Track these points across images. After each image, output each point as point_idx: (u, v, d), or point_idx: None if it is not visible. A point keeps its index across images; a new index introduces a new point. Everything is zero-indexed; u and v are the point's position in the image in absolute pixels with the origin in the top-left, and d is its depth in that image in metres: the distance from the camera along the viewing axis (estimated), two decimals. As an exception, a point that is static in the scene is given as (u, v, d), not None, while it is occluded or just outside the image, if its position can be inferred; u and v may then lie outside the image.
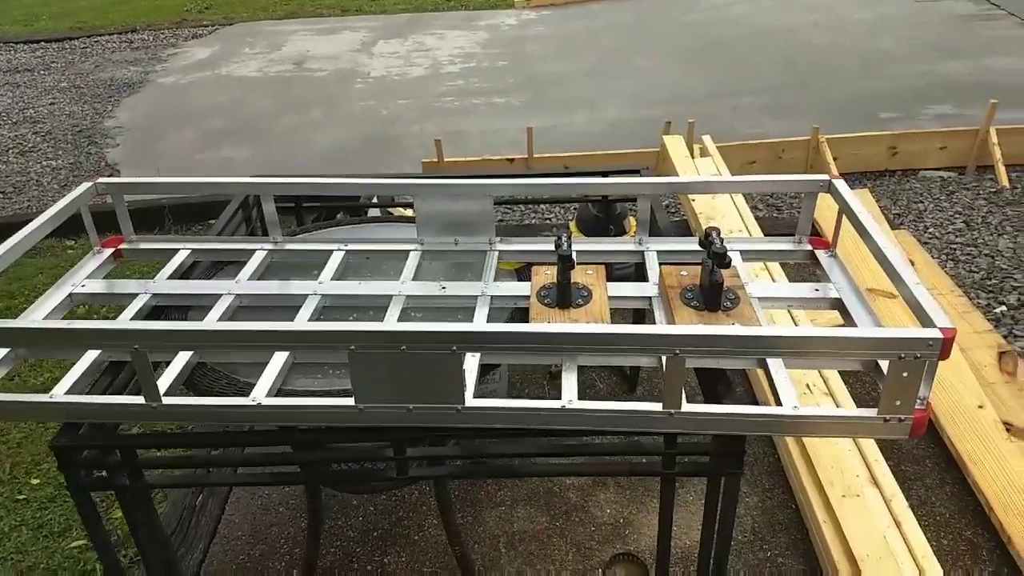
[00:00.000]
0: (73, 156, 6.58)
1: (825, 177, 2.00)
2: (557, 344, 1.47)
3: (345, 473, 1.95)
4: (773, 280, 3.23)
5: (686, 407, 1.52)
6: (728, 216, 3.70)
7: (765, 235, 3.68)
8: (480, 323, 1.72)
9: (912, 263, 3.81)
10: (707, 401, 1.73)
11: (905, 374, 1.44)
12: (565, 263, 1.72)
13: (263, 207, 2.14)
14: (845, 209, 1.90)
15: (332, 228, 2.35)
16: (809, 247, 2.08)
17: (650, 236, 2.12)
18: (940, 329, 1.42)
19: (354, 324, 1.48)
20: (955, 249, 4.94)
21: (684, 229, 4.16)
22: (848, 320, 1.81)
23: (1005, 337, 3.97)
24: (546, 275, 1.90)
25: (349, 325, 1.47)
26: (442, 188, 2.07)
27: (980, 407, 2.91)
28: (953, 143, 5.61)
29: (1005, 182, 5.62)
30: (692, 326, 1.48)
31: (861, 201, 1.93)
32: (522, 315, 1.85)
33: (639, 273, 2.06)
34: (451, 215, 2.11)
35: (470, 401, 1.54)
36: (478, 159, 5.53)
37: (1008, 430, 2.83)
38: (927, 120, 6.30)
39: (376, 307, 1.93)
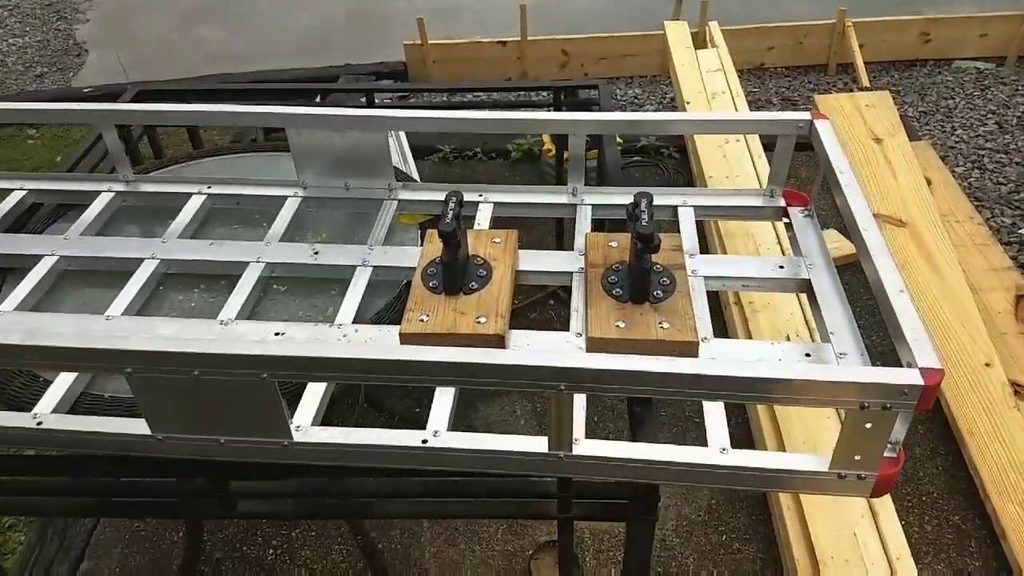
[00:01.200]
0: (41, 33, 6.14)
1: (805, 116, 1.55)
2: (394, 373, 1.09)
3: (155, 505, 1.53)
4: (756, 245, 2.79)
5: (582, 447, 1.16)
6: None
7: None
8: (296, 344, 1.17)
9: (928, 182, 3.33)
10: (631, 428, 1.37)
11: (868, 425, 1.06)
12: (448, 240, 1.32)
13: (105, 139, 1.72)
14: (826, 168, 1.46)
15: (205, 160, 1.93)
16: (782, 202, 1.65)
17: (587, 185, 1.69)
18: (921, 371, 1.02)
19: (125, 340, 1.10)
20: (983, 156, 4.41)
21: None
22: (815, 310, 1.41)
23: (1025, 265, 3.54)
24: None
25: (119, 342, 1.10)
26: (318, 119, 1.64)
27: (987, 365, 2.53)
28: (995, 29, 4.95)
29: (1048, 77, 5.00)
30: (579, 356, 1.09)
31: (842, 155, 1.49)
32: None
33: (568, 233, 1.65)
34: (338, 152, 1.69)
35: (301, 434, 1.19)
36: (466, 41, 4.97)
37: (1016, 393, 2.46)
38: (968, 3, 5.57)
39: (230, 275, 1.54)
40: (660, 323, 1.30)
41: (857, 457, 1.10)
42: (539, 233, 2.81)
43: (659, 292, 1.35)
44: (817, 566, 1.93)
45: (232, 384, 1.10)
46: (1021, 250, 3.62)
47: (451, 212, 1.33)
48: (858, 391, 1.02)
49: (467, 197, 1.66)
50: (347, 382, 1.21)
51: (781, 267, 1.49)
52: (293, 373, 1.09)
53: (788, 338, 2.53)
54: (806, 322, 2.56)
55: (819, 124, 1.53)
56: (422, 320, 1.33)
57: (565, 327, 1.37)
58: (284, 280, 1.57)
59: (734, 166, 3.26)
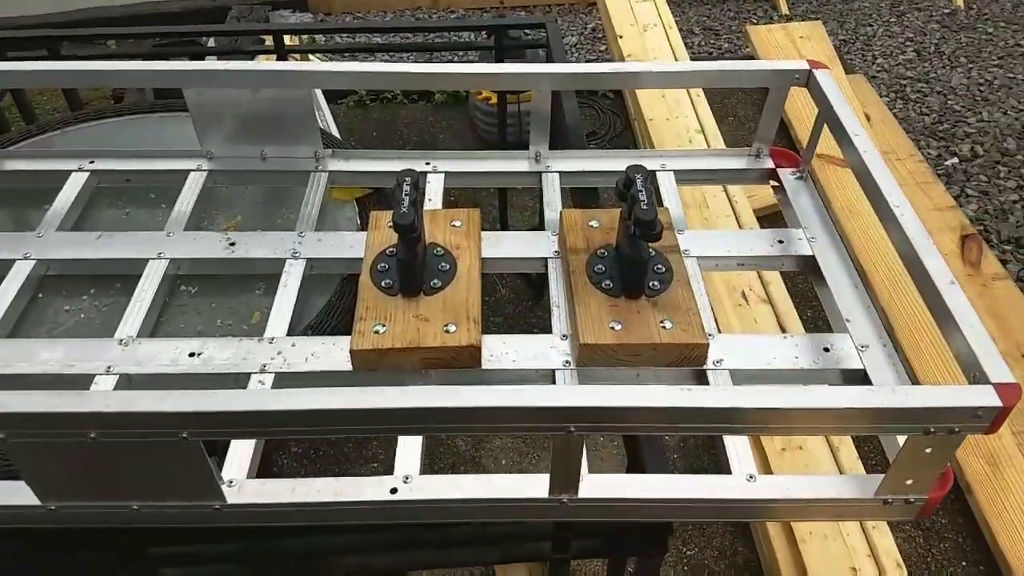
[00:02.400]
0: None
1: (803, 64, 1.35)
2: (357, 424, 0.85)
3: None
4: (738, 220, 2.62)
5: (588, 486, 0.96)
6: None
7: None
8: (217, 395, 0.84)
9: (868, 118, 3.23)
10: (628, 460, 1.18)
11: (928, 450, 0.90)
12: (406, 233, 1.07)
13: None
14: (832, 125, 1.27)
15: (84, 126, 1.58)
16: (770, 163, 1.46)
17: (552, 148, 1.46)
18: (996, 389, 0.86)
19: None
20: (905, 86, 4.37)
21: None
22: (824, 293, 1.24)
23: (957, 198, 3.52)
24: (391, 228, 1.24)
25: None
26: (223, 76, 1.34)
27: (939, 311, 2.46)
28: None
29: (960, 2, 4.98)
30: (591, 390, 0.87)
31: (846, 99, 1.31)
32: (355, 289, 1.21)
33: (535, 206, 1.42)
34: (250, 115, 1.39)
35: (235, 493, 0.94)
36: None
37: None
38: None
39: (126, 276, 1.25)
40: (662, 322, 1.10)
41: (909, 481, 0.94)
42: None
43: (655, 283, 1.15)
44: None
45: (143, 446, 0.84)
46: (948, 183, 3.61)
47: (406, 198, 1.08)
48: (925, 416, 0.85)
49: (414, 166, 1.41)
50: (293, 438, 0.95)
51: (780, 241, 1.31)
52: (222, 431, 0.84)
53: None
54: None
55: (819, 74, 1.34)
56: (377, 332, 1.09)
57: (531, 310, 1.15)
58: (194, 279, 1.29)
59: (673, 107, 3.07)
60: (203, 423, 0.82)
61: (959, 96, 4.27)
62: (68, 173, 1.40)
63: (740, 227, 2.58)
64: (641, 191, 1.07)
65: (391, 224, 1.23)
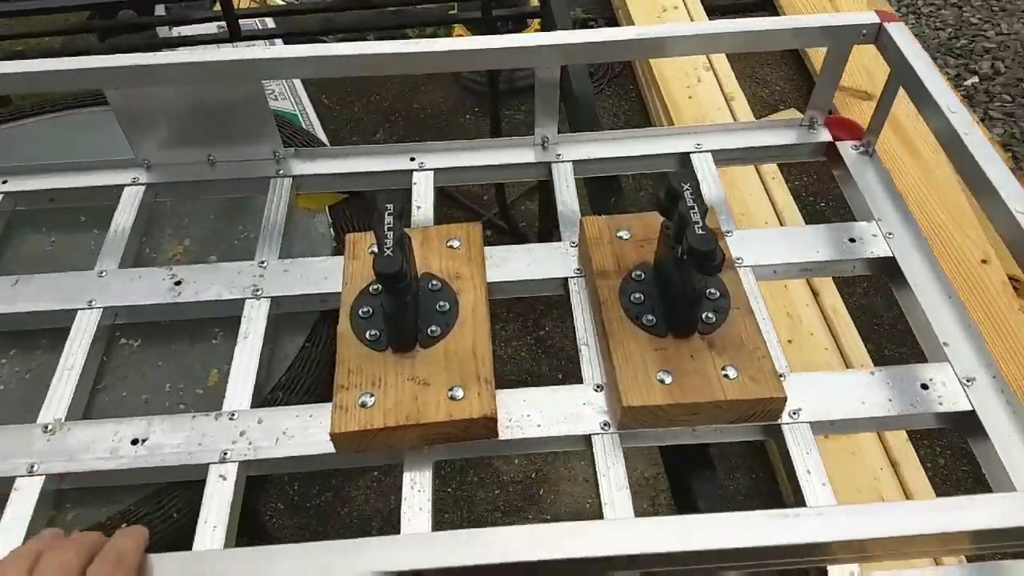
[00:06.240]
0: None
1: (871, 17, 1.08)
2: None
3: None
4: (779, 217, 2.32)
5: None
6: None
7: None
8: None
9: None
10: (675, 499, 0.97)
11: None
12: (393, 284, 0.82)
13: None
14: (907, 80, 1.02)
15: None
16: (826, 136, 1.21)
17: (561, 133, 1.20)
18: None
19: None
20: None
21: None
22: (910, 304, 1.01)
23: (982, 121, 3.27)
24: (373, 255, 1.00)
25: None
26: (155, 72, 1.07)
27: (984, 262, 2.25)
28: None
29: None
30: (658, 523, 0.64)
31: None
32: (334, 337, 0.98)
33: (544, 204, 1.17)
34: (191, 111, 1.13)
35: None
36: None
37: (1016, 289, 2.20)
38: None
39: (52, 331, 1.01)
40: (723, 370, 0.87)
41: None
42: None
43: (709, 314, 0.92)
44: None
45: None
46: (972, 104, 3.35)
47: (390, 234, 0.83)
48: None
49: (397, 164, 1.16)
50: None
51: (852, 240, 1.07)
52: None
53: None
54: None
55: (892, 28, 1.07)
56: (364, 404, 0.86)
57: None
58: (136, 329, 1.05)
59: (686, 64, 2.78)
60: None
61: (975, 7, 3.97)
62: (-28, 197, 1.15)
63: (775, 210, 2.31)
64: (693, 208, 0.82)
65: (372, 252, 0.99)
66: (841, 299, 2.15)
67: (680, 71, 2.77)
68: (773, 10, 3.40)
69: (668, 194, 0.86)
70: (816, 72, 2.92)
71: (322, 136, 2.25)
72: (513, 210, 2.42)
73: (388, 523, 1.86)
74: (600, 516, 0.82)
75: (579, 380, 0.93)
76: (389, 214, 0.85)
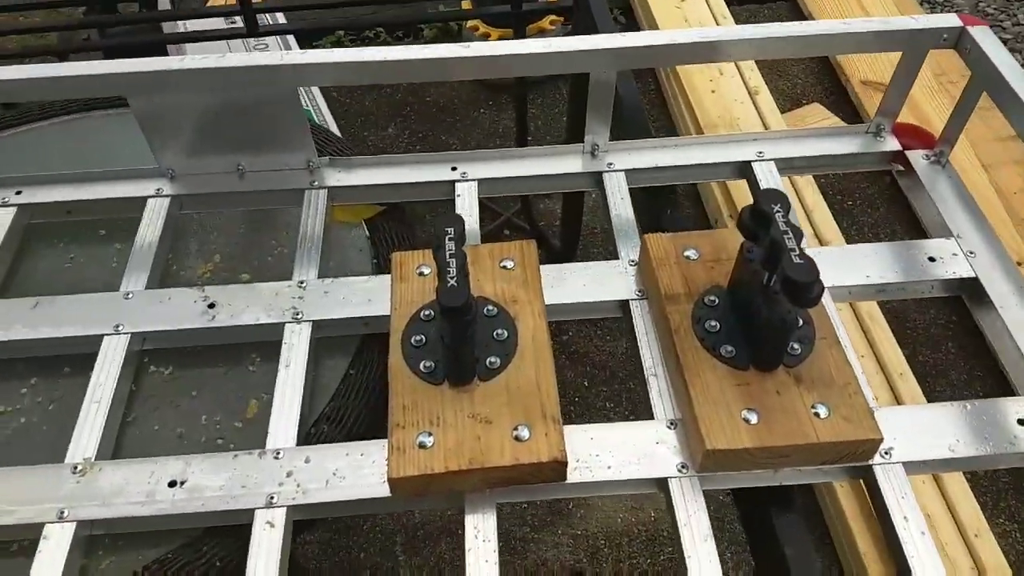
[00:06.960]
0: None
1: (953, 20, 1.01)
2: None
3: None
4: (809, 217, 2.22)
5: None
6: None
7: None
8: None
9: None
10: (748, 536, 0.91)
11: None
12: (459, 317, 0.75)
13: None
14: (992, 85, 0.95)
15: (8, 134, 1.23)
16: (896, 145, 1.14)
17: (612, 140, 1.13)
18: None
19: None
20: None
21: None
22: (992, 327, 0.95)
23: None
24: (422, 276, 0.92)
25: None
26: (181, 77, 0.99)
27: (1020, 264, 2.18)
28: None
29: None
30: None
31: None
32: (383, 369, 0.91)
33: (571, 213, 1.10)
34: (219, 118, 1.05)
35: None
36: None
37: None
38: None
39: (76, 358, 0.94)
40: (814, 408, 0.80)
41: None
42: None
43: (795, 345, 0.85)
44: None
45: None
46: None
47: (452, 262, 0.76)
48: None
49: (438, 174, 1.09)
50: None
51: (931, 259, 1.00)
52: None
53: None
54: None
55: (975, 32, 1.00)
56: (423, 445, 0.79)
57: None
58: (167, 355, 0.97)
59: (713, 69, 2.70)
60: None
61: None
62: (-12, 210, 1.07)
63: (804, 209, 2.23)
64: (787, 234, 0.75)
65: (420, 272, 0.92)
66: (876, 303, 2.09)
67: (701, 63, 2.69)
68: (793, -1, 3.32)
69: (754, 215, 0.79)
70: (837, 65, 2.84)
71: (335, 130, 2.17)
72: (532, 208, 2.34)
73: (411, 538, 1.80)
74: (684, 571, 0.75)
75: (632, 406, 0.87)
76: (450, 239, 0.78)
